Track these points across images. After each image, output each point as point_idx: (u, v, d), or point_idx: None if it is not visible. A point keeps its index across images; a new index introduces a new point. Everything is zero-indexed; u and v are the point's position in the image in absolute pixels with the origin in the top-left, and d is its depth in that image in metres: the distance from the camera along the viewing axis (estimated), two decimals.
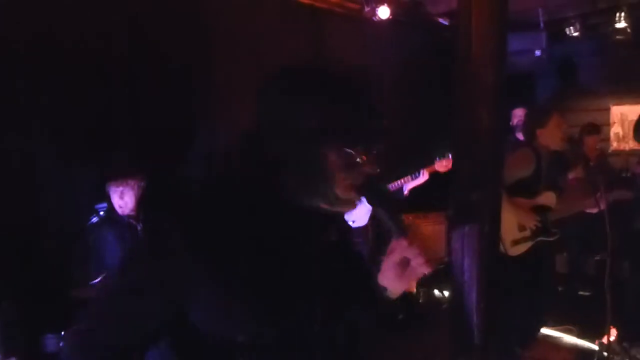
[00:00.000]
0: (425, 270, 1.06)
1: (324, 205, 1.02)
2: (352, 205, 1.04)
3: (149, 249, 0.99)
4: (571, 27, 5.15)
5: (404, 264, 1.08)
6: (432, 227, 4.83)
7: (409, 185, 3.63)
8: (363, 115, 1.00)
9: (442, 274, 4.92)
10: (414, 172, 3.64)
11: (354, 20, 4.84)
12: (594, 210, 2.90)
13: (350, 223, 3.48)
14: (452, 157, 3.59)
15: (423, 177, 3.62)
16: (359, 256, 1.28)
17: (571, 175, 3.24)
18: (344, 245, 1.22)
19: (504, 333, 2.91)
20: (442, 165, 3.65)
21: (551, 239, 2.97)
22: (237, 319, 0.98)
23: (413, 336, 3.96)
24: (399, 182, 3.62)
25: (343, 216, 1.25)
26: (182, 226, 0.95)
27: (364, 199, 1.05)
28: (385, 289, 1.13)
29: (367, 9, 4.68)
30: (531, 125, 2.98)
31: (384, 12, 4.65)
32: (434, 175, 3.87)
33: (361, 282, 1.17)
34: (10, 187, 3.03)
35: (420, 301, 4.71)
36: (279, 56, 4.44)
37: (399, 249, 1.07)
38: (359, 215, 3.65)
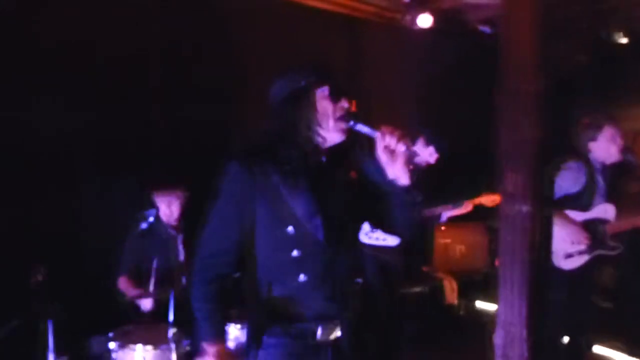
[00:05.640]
0: (402, 146, 1.54)
1: (326, 137, 1.60)
2: (344, 132, 1.61)
3: (226, 182, 1.59)
4: (617, 34, 5.00)
5: (391, 152, 1.55)
6: (472, 237, 4.75)
7: (448, 213, 3.40)
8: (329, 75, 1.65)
9: (482, 285, 4.86)
10: (456, 201, 3.38)
11: (393, 29, 4.82)
12: None
13: (382, 241, 3.37)
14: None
15: (465, 208, 3.37)
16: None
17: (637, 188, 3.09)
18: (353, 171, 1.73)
19: (552, 348, 2.84)
20: (490, 199, 3.39)
21: (612, 253, 2.87)
22: (283, 210, 1.56)
23: (453, 349, 3.89)
24: (438, 210, 3.40)
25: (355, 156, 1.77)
26: (243, 161, 1.58)
27: None
28: (395, 179, 1.58)
29: (407, 17, 4.65)
30: (584, 137, 2.92)
31: (424, 21, 4.60)
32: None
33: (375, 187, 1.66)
34: (58, 193, 3.15)
35: (461, 313, 4.62)
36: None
37: (379, 141, 1.54)
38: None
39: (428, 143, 3.24)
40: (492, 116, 2.02)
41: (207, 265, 1.62)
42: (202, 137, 3.60)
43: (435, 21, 4.65)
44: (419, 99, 4.53)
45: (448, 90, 4.95)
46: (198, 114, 3.68)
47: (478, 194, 3.40)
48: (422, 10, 4.60)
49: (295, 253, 1.56)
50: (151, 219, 2.63)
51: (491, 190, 3.40)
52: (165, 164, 3.49)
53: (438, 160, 3.22)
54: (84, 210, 3.28)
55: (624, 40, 5.02)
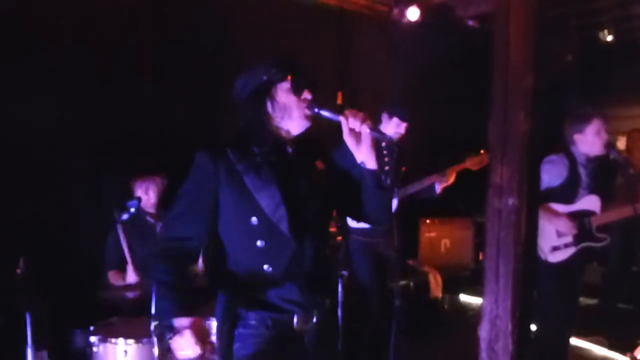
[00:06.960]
0: (366, 128, 1.54)
1: (291, 128, 1.62)
2: (307, 120, 1.61)
3: (193, 170, 1.62)
4: (605, 32, 5.04)
5: (356, 134, 1.56)
6: (458, 232, 4.76)
7: (439, 184, 3.33)
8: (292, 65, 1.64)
9: (467, 280, 4.89)
10: (441, 171, 3.32)
11: (383, 23, 4.81)
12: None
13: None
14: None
15: (450, 177, 3.31)
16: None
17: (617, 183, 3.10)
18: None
19: (537, 341, 2.86)
20: (475, 162, 3.32)
21: (599, 245, 2.86)
22: (247, 201, 1.56)
23: (437, 342, 3.91)
24: (427, 180, 3.35)
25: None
26: (208, 152, 1.61)
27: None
28: (362, 163, 1.60)
29: (395, 11, 4.64)
30: (571, 129, 2.90)
31: (413, 14, 4.60)
32: (462, 179, 3.77)
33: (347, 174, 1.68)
34: (43, 186, 3.11)
35: (445, 307, 4.64)
36: (307, 59, 4.44)
37: (343, 125, 1.55)
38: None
39: (391, 116, 3.20)
40: (480, 108, 2.01)
41: (167, 247, 1.63)
42: (191, 133, 3.57)
43: (424, 15, 4.65)
44: (407, 91, 4.52)
45: (436, 83, 4.96)
46: (188, 110, 3.67)
47: (462, 161, 3.31)
48: (411, 3, 4.59)
49: (259, 243, 1.56)
50: (132, 209, 2.59)
51: (476, 154, 3.31)
52: (152, 158, 3.45)
53: (407, 130, 3.16)
54: (71, 204, 3.24)
55: (611, 40, 5.05)
